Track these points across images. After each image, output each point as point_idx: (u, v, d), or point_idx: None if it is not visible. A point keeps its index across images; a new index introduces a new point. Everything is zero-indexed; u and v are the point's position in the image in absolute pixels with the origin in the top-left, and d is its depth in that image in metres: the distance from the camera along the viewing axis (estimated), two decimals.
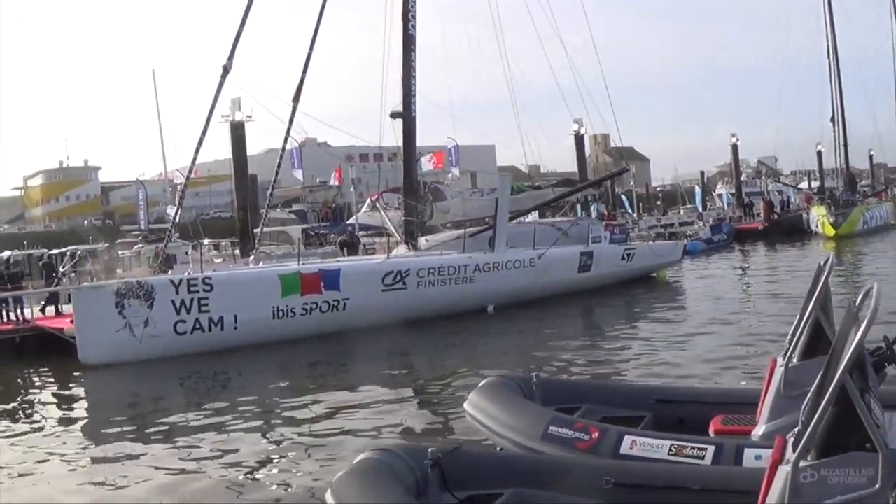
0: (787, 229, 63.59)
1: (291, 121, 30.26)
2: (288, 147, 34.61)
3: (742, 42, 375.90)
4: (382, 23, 31.86)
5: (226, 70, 27.88)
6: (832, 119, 74.59)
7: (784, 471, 5.06)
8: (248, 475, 11.68)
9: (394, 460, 6.96)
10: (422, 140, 33.37)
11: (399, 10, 31.34)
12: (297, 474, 11.53)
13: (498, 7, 40.70)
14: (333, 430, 13.88)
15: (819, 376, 5.85)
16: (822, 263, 8.69)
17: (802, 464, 4.95)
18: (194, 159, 29.14)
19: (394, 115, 31.14)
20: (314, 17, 30.80)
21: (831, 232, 57.47)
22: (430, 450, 6.96)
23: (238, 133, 41.48)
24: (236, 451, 13.02)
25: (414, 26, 31.29)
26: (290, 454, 12.74)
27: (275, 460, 12.47)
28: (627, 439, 8.10)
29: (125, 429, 15.46)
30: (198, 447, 13.41)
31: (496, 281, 29.00)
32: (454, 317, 26.53)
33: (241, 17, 28.42)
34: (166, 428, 15.17)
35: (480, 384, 9.93)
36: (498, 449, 8.88)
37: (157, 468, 12.39)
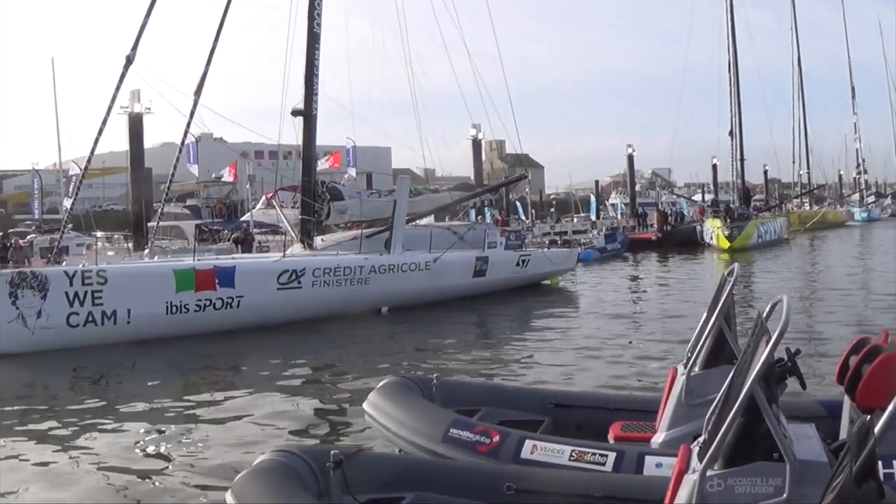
0: (681, 240, 64.37)
1: (192, 115, 29.87)
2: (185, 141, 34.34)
3: (641, 52, 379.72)
4: (287, 19, 31.71)
5: (129, 61, 27.42)
6: (730, 132, 75.74)
7: (691, 479, 5.10)
8: (139, 476, 11.29)
9: (295, 462, 6.92)
10: (321, 139, 33.22)
11: (305, 7, 31.17)
12: (194, 476, 11.17)
13: (404, 9, 40.81)
14: (230, 431, 13.61)
15: (726, 385, 5.92)
16: (726, 274, 8.80)
17: (709, 473, 5.00)
18: (93, 150, 28.72)
19: (294, 113, 30.92)
20: (220, 11, 30.51)
21: (726, 244, 58.26)
22: (331, 452, 6.92)
23: (136, 125, 41.15)
24: (128, 450, 12.61)
25: (319, 24, 31.12)
26: (185, 455, 12.38)
27: (169, 461, 12.07)
28: (528, 444, 8.11)
29: (9, 422, 15.10)
30: (86, 446, 13.00)
31: (391, 283, 28.94)
32: (349, 317, 26.38)
33: (147, 6, 28.04)
34: (55, 424, 14.63)
35: (380, 384, 9.90)
36: (398, 451, 8.88)
37: (39, 465, 12.00)
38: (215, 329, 24.04)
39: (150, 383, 18.48)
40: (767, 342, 5.18)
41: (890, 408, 3.89)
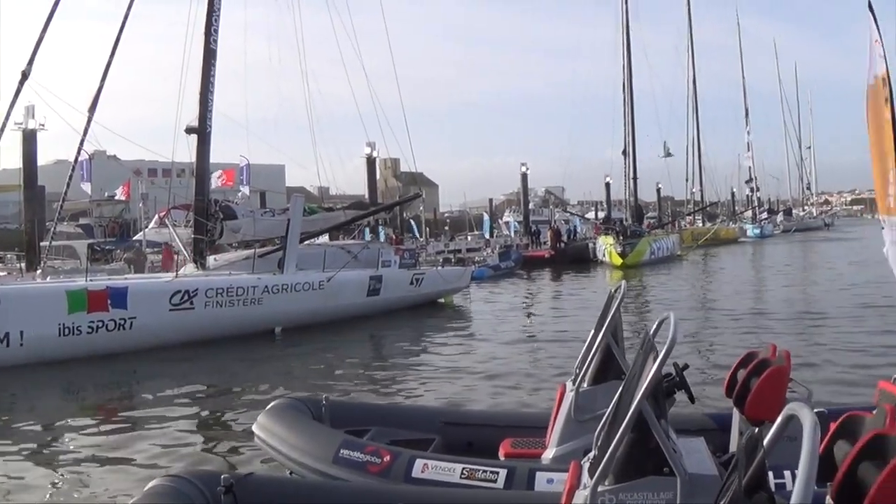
0: (574, 258, 64.98)
1: (86, 132, 29.42)
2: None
3: (537, 72, 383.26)
4: (183, 36, 31.40)
5: (24, 76, 27.02)
6: (623, 151, 76.57)
7: (582, 495, 5.11)
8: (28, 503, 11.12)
9: (185, 486, 6.81)
10: (215, 157, 32.93)
11: (202, 23, 30.91)
12: (83, 502, 11.08)
13: (302, 26, 40.55)
14: (121, 456, 13.31)
15: (614, 401, 5.94)
16: (613, 291, 8.86)
17: (600, 488, 5.01)
18: None
19: (189, 130, 30.59)
20: (115, 27, 30.16)
21: (618, 261, 58.88)
22: (222, 476, 6.83)
23: (30, 142, 40.55)
24: (17, 477, 12.28)
25: (215, 41, 30.84)
26: (74, 481, 12.10)
27: (56, 487, 11.84)
28: (419, 463, 8.07)
29: None
30: None
31: (285, 303, 28.71)
32: (242, 338, 26.13)
33: (44, 22, 27.64)
34: None
35: (269, 406, 9.82)
36: (289, 473, 8.82)
37: None
38: (108, 351, 23.57)
39: (38, 407, 18.15)
40: (655, 358, 5.21)
41: (778, 419, 3.91)
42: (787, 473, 6.90)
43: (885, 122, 10.15)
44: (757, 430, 4.14)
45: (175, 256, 31.68)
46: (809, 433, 3.25)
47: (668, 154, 79.47)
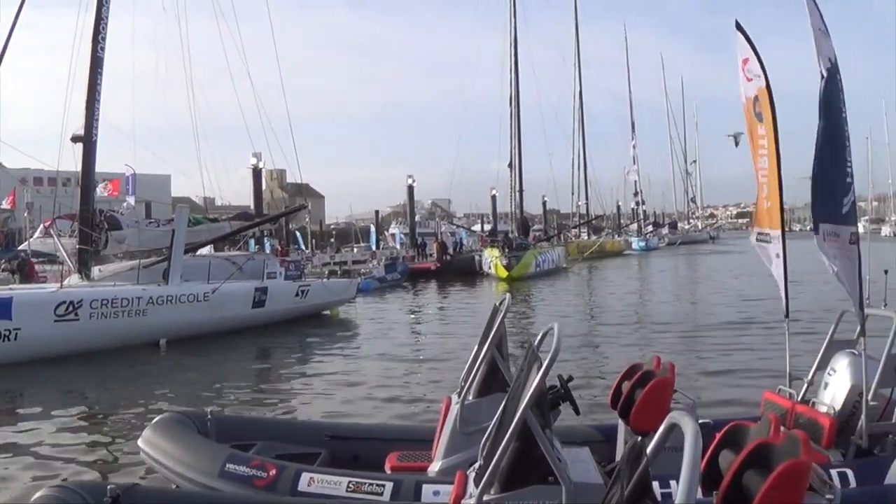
0: (460, 270, 65.17)
1: None
2: None
3: (425, 84, 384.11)
4: (70, 44, 30.99)
5: None
6: (509, 164, 76.97)
7: None
8: None
9: (72, 497, 6.73)
10: (101, 166, 32.49)
11: (89, 31, 30.53)
12: None
13: (188, 35, 40.20)
14: (5, 469, 13.13)
15: (499, 413, 5.97)
16: (497, 304, 8.89)
17: (486, 497, 5.01)
18: None
19: (74, 140, 30.18)
20: (3, 34, 29.72)
21: (504, 274, 59.18)
22: (108, 486, 6.75)
23: None
24: None
25: (103, 48, 30.46)
26: None
27: None
28: (305, 476, 8.06)
29: None
30: None
31: (170, 314, 28.37)
32: (128, 350, 25.73)
33: None
34: None
35: (154, 420, 9.73)
36: (174, 486, 8.72)
37: None
38: None
39: None
40: (539, 369, 5.22)
41: (660, 429, 3.94)
42: (673, 483, 6.96)
43: (757, 138, 10.32)
44: (640, 439, 4.16)
45: (61, 267, 31.21)
46: (691, 441, 3.27)
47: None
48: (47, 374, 22.55)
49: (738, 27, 10.40)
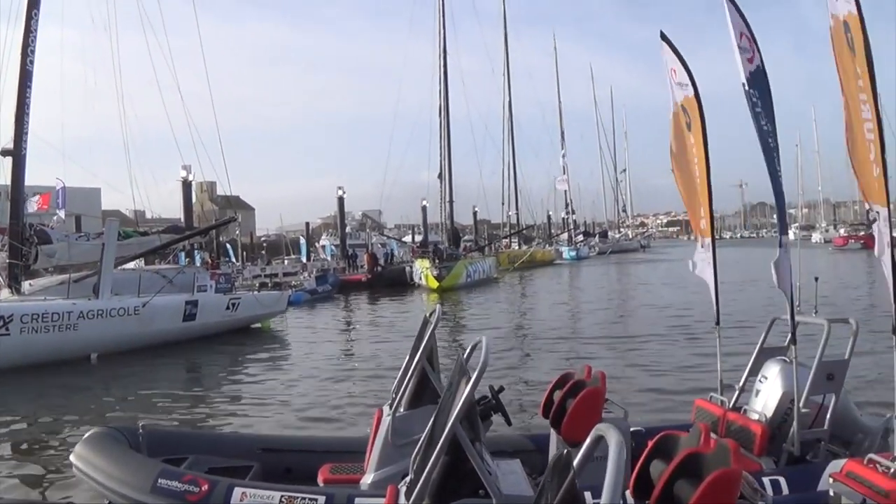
0: (391, 281, 65.27)
1: None
2: None
3: (355, 94, 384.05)
4: None
5: None
6: (439, 175, 77.02)
7: None
8: None
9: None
10: (30, 180, 32.21)
11: (18, 44, 30.30)
12: None
13: (118, 48, 40.02)
14: None
15: (429, 426, 5.95)
16: (428, 315, 8.88)
17: None
18: None
19: (3, 153, 29.95)
20: None
21: (434, 284, 59.31)
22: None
23: None
24: None
25: (32, 61, 30.24)
26: None
27: None
28: (237, 491, 8.02)
29: None
30: None
31: (100, 328, 28.13)
32: (59, 365, 25.53)
33: None
34: None
35: (86, 436, 9.62)
36: (106, 503, 8.64)
37: None
38: None
39: None
40: (468, 382, 5.21)
41: (587, 440, 3.93)
42: None
43: (688, 147, 10.37)
44: (567, 451, 4.15)
45: None
46: (615, 452, 3.29)
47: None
48: None
49: (664, 38, 10.46)
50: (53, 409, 19.83)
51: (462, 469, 5.18)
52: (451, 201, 78.93)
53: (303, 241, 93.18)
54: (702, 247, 10.68)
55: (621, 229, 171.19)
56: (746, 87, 9.06)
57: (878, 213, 8.00)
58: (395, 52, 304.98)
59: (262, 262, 79.49)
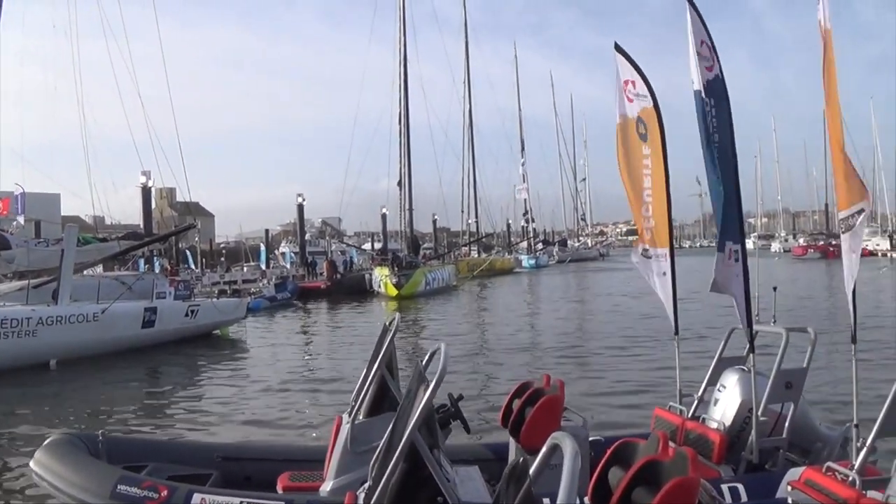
0: (350, 289, 65.18)
1: None
2: None
3: (316, 102, 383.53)
4: None
5: None
6: (399, 183, 77.00)
7: None
8: None
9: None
10: None
11: None
12: None
13: (79, 53, 39.94)
14: None
15: (388, 434, 5.97)
16: (387, 323, 8.90)
17: None
18: None
19: None
20: None
21: (394, 292, 59.40)
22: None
23: None
24: None
25: None
26: None
27: None
28: (197, 497, 8.02)
29: None
30: None
31: (59, 335, 27.99)
32: (17, 371, 25.40)
33: None
34: None
35: (45, 442, 9.59)
36: None
37: None
38: None
39: None
40: (426, 389, 5.23)
41: (543, 449, 3.96)
42: None
43: (640, 157, 10.41)
44: (523, 458, 4.18)
45: None
46: (569, 461, 3.32)
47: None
48: None
49: (618, 49, 10.50)
50: (12, 415, 19.72)
51: (420, 476, 5.20)
52: (410, 209, 78.97)
53: (262, 248, 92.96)
54: (646, 256, 10.73)
55: (581, 238, 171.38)
56: (703, 95, 9.09)
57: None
58: (356, 59, 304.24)
59: (221, 269, 79.10)
